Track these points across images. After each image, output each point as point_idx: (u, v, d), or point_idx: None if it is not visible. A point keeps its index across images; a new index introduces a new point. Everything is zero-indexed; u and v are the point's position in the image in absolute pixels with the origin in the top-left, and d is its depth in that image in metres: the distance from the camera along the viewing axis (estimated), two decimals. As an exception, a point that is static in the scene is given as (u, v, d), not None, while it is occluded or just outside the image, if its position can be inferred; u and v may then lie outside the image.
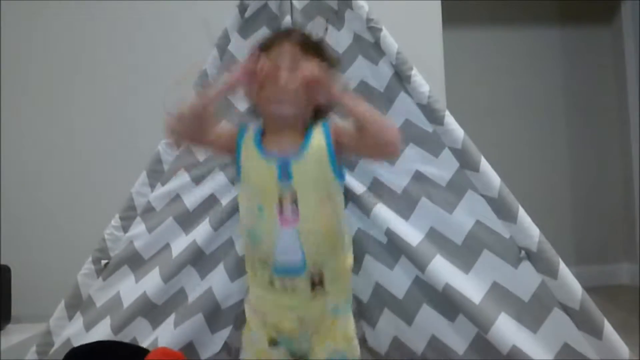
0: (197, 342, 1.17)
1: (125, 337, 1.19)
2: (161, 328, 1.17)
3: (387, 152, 1.08)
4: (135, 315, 1.20)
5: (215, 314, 1.19)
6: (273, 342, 1.05)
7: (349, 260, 1.10)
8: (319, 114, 1.09)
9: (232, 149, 1.08)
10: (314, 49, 1.06)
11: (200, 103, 1.03)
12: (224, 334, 1.19)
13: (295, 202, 1.01)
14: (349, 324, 1.08)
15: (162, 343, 1.13)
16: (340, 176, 1.07)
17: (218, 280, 1.19)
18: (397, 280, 1.20)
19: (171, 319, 1.18)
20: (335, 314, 1.05)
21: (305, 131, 1.07)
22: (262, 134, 1.09)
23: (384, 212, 1.21)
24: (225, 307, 1.19)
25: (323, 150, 1.04)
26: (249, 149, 1.07)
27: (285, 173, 1.02)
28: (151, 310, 1.20)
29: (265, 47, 1.05)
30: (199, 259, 1.22)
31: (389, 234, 1.20)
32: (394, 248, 1.20)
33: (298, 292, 1.02)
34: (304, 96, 1.04)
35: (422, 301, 1.18)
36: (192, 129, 1.05)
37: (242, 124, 1.11)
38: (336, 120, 1.09)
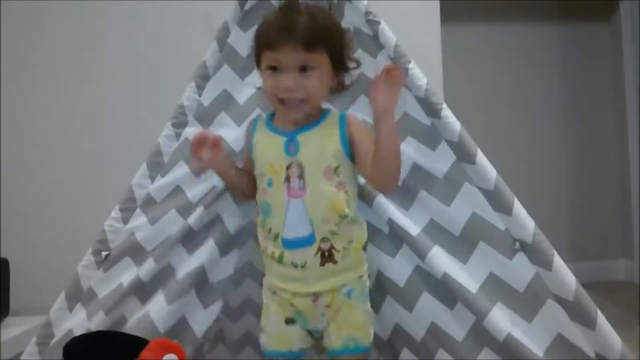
0: (189, 317, 1.19)
1: (115, 316, 1.19)
2: (152, 302, 1.17)
3: (380, 184, 1.11)
4: (129, 295, 1.20)
5: (205, 289, 1.20)
6: (290, 321, 1.08)
7: (360, 237, 1.11)
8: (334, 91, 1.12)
9: None
10: (323, 40, 1.03)
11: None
12: (215, 308, 1.21)
13: (302, 174, 1.03)
14: (365, 312, 1.10)
15: (154, 317, 1.14)
16: (350, 155, 1.08)
17: (208, 256, 1.20)
18: (399, 268, 1.22)
19: (161, 294, 1.18)
20: (349, 297, 1.07)
21: (319, 115, 1.10)
22: (273, 116, 1.14)
23: (385, 202, 1.22)
24: (214, 281, 1.20)
25: (335, 131, 1.07)
26: (259, 129, 1.12)
27: (292, 145, 1.05)
28: (141, 289, 1.20)
29: (268, 44, 1.03)
30: (189, 237, 1.23)
31: (391, 223, 1.21)
32: (396, 237, 1.22)
33: (307, 267, 1.04)
34: (319, 98, 1.08)
35: (422, 289, 1.19)
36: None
37: (255, 118, 1.17)
38: (355, 115, 1.13)
